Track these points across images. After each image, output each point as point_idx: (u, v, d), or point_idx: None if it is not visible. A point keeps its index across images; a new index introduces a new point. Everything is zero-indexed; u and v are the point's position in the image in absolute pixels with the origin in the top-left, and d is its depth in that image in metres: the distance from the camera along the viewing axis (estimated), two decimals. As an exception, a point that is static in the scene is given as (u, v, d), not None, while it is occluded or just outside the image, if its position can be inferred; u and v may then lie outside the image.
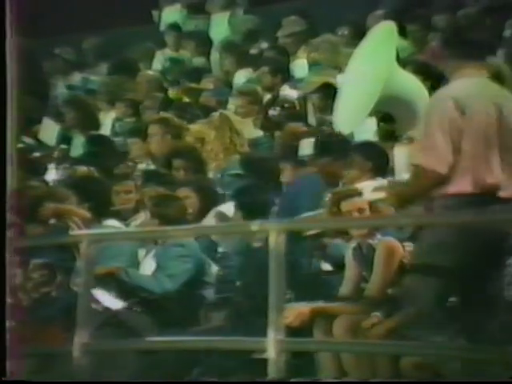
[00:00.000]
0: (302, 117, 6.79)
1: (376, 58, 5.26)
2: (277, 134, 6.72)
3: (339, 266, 5.00)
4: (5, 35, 4.88)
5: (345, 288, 4.88)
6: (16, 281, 4.93)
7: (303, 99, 6.87)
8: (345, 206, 4.83)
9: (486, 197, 4.14)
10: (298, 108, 6.83)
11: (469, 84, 4.30)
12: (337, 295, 4.84)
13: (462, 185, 4.15)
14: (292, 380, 4.32)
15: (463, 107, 4.20)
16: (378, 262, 4.73)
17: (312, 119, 6.70)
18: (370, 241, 4.81)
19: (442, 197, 4.18)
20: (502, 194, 4.16)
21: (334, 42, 7.44)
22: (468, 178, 4.16)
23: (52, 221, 5.30)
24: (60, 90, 9.40)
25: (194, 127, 6.91)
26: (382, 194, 4.50)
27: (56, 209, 5.19)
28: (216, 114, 6.83)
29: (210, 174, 6.51)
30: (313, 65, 7.27)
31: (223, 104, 7.56)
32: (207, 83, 8.06)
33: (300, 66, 7.49)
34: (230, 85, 7.99)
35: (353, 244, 4.91)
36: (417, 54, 7.23)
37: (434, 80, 6.28)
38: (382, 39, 5.29)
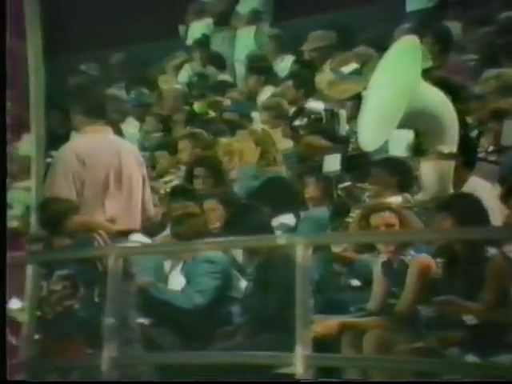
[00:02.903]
0: (329, 129, 6.74)
1: (400, 72, 5.21)
2: (300, 145, 6.72)
3: (367, 281, 4.94)
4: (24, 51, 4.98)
5: (373, 303, 4.80)
6: (41, 294, 4.93)
7: (330, 111, 6.83)
8: (374, 219, 4.77)
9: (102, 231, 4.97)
10: (324, 120, 6.81)
11: (91, 139, 5.09)
12: (365, 310, 4.77)
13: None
14: (295, 380, 4.30)
15: (84, 160, 5.01)
16: (412, 279, 4.64)
17: (343, 130, 6.64)
18: (402, 257, 4.75)
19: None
20: (117, 226, 5.03)
21: (367, 55, 7.38)
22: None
23: (78, 234, 5.31)
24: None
25: (231, 140, 6.86)
26: None
27: (84, 222, 5.22)
28: (257, 129, 6.83)
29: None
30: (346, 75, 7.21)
31: (246, 118, 7.52)
32: (231, 98, 8.05)
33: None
34: (254, 99, 7.97)
35: (382, 259, 4.85)
36: (437, 69, 7.19)
37: (455, 94, 6.27)
38: (407, 53, 5.24)
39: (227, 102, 7.95)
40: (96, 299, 5.01)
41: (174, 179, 6.88)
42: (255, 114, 7.55)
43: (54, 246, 5.07)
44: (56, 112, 8.09)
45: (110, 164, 5.03)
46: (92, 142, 5.07)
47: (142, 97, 8.70)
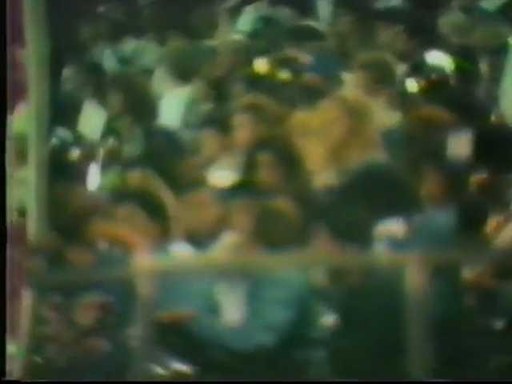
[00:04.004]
0: (458, 95, 6.61)
1: None
2: (413, 118, 6.67)
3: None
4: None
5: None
6: (51, 329, 4.89)
7: (460, 68, 6.73)
8: None
9: None
10: (451, 82, 6.70)
11: None
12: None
13: None
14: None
15: None
16: None
17: (478, 97, 6.54)
18: None
19: None
20: None
21: None
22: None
23: (100, 245, 5.27)
24: (107, 62, 9.47)
25: (311, 113, 6.86)
26: None
27: (108, 231, 5.17)
28: (349, 97, 6.76)
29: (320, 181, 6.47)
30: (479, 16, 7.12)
31: (334, 81, 7.52)
32: (313, 52, 8.01)
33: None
34: (347, 53, 7.97)
35: None
36: None
37: None
38: None
39: (307, 59, 7.90)
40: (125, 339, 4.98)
41: (228, 169, 6.87)
42: (347, 76, 7.52)
43: (68, 261, 5.05)
44: (65, 72, 8.17)
45: None
46: None
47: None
